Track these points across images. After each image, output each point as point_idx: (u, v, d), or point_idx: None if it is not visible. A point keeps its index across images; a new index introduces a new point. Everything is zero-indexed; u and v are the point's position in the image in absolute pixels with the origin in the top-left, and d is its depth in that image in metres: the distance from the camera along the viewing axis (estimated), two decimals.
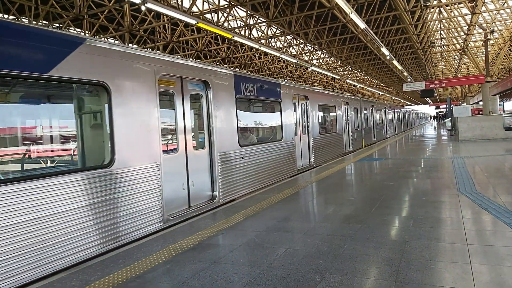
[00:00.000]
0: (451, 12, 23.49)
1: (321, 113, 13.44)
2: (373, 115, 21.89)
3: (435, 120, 73.60)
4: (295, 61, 25.26)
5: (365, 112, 19.93)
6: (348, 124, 16.40)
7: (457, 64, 44.91)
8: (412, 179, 8.50)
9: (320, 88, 14.18)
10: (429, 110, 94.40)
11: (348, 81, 40.18)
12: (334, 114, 14.84)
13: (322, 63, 35.78)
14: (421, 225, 4.80)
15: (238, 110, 7.93)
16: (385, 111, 26.58)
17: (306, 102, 11.86)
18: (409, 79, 41.87)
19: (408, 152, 15.10)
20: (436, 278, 3.27)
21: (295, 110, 11.07)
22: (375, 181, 8.48)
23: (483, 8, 21.62)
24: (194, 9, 17.77)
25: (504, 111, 38.85)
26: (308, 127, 11.80)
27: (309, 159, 11.83)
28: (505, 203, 5.57)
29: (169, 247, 4.50)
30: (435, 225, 4.79)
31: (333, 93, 15.58)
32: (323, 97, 13.60)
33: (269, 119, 10.49)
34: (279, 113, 10.01)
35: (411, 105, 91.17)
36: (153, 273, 3.76)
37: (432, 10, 23.55)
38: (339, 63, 36.88)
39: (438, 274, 3.36)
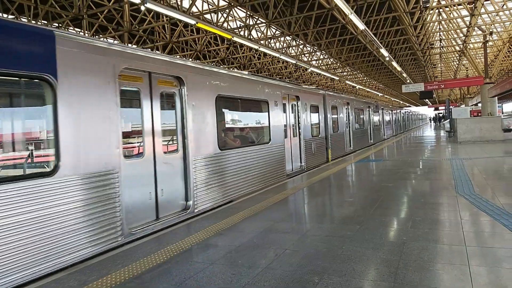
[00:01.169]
0: (450, 13, 23.53)
1: (228, 113, 8.27)
2: (348, 116, 16.83)
3: (434, 121, 73.59)
4: (294, 62, 25.27)
5: (335, 112, 14.98)
6: (298, 129, 11.14)
7: (456, 65, 44.99)
8: (411, 180, 8.51)
9: (234, 72, 8.79)
10: (427, 111, 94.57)
11: (347, 82, 40.22)
12: (266, 114, 9.34)
13: (322, 64, 35.80)
14: (419, 226, 4.81)
15: None
16: (369, 111, 21.50)
17: (181, 91, 6.32)
18: (408, 80, 41.92)
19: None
20: (435, 280, 3.27)
21: (141, 107, 5.59)
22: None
23: (482, 10, 21.66)
24: (194, 9, 17.77)
25: (502, 113, 38.95)
26: (185, 138, 6.24)
27: (187, 201, 6.23)
28: (504, 205, 5.58)
29: (167, 247, 4.49)
30: (434, 226, 4.79)
31: (260, 79, 9.45)
32: (230, 84, 7.77)
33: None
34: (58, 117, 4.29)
35: (410, 106, 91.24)
36: (151, 273, 3.75)
37: (431, 11, 23.59)
38: (338, 64, 36.92)
39: (437, 275, 3.36)
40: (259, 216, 5.81)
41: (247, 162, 8.07)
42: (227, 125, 8.27)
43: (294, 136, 10.98)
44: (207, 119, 6.86)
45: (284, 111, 10.39)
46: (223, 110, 7.81)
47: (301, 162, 11.28)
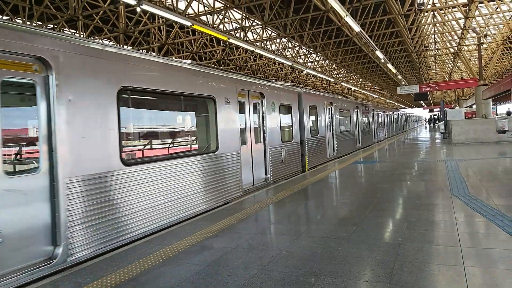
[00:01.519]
0: (445, 16, 23.70)
1: (144, 113, 6.44)
2: (332, 117, 15.15)
3: (428, 123, 73.89)
4: (290, 63, 25.33)
5: (315, 112, 13.30)
6: (262, 133, 9.39)
7: (451, 67, 45.30)
8: (406, 181, 8.54)
9: (154, 56, 6.48)
10: (422, 113, 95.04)
11: (342, 83, 40.38)
12: (212, 115, 7.41)
13: (317, 66, 35.91)
14: (415, 227, 4.82)
15: None
16: (357, 111, 20.08)
17: (47, 80, 4.20)
18: (403, 82, 42.16)
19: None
20: (430, 281, 3.28)
21: None
22: None
23: (477, 12, 21.83)
24: (190, 11, 17.78)
25: (497, 115, 39.29)
26: (52, 150, 4.17)
27: (55, 246, 4.10)
28: (498, 206, 5.61)
29: (163, 249, 4.48)
30: (429, 227, 4.81)
31: (201, 69, 7.25)
32: (147, 72, 5.64)
33: None
34: None
35: (405, 108, 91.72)
36: (147, 275, 3.74)
37: (426, 14, 23.76)
38: (334, 66, 37.06)
39: (432, 276, 3.37)
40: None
41: (174, 179, 5.94)
42: (142, 130, 6.31)
43: (256, 142, 9.11)
44: (100, 121, 4.74)
45: (242, 111, 8.55)
46: (135, 108, 5.91)
47: (266, 174, 9.36)
